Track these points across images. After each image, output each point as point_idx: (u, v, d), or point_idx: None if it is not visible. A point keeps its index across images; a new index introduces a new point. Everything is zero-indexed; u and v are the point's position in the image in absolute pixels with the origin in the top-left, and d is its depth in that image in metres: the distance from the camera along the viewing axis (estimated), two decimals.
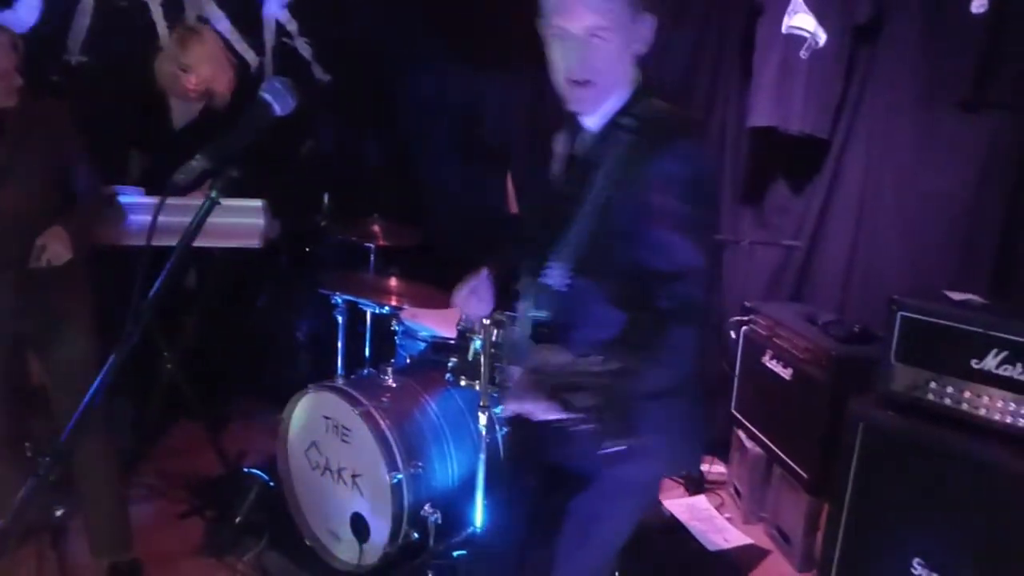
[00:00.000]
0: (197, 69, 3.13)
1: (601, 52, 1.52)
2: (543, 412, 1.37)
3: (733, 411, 3.25)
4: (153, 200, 2.78)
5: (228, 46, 3.68)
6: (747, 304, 3.21)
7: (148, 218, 2.69)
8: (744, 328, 3.19)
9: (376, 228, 3.26)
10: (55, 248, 2.28)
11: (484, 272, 1.88)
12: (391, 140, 4.50)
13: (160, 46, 3.45)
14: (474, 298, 1.86)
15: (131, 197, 2.74)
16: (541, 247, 1.58)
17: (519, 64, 3.78)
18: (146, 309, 1.25)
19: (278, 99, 1.35)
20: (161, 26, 3.69)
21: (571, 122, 1.67)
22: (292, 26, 4.12)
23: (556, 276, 1.52)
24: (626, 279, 1.49)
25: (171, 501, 3.05)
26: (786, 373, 2.90)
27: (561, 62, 1.54)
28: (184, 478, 3.17)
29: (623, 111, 1.58)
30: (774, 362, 2.98)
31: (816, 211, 3.40)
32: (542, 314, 1.55)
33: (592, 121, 1.62)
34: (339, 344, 3.02)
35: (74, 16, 3.47)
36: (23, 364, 2.54)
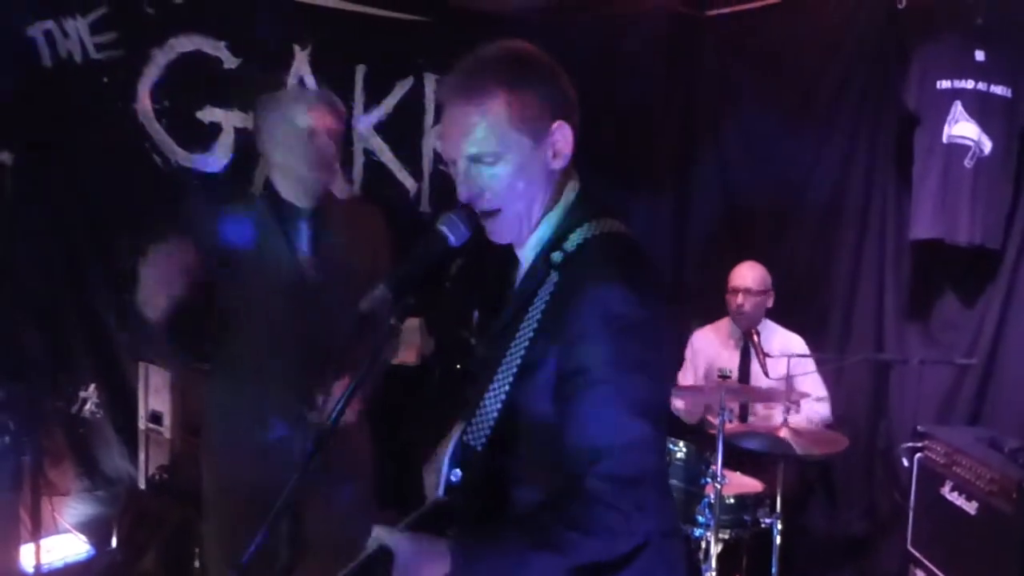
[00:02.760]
0: None
1: (485, 178, 1.32)
2: None
3: (910, 547, 2.97)
4: None
5: (390, 173, 4.01)
6: (919, 429, 2.99)
7: None
8: (918, 455, 2.95)
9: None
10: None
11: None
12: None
13: None
14: None
15: None
16: (470, 396, 1.37)
17: (655, 189, 3.87)
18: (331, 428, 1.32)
19: (454, 231, 1.42)
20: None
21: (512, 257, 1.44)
22: None
23: (475, 433, 1.30)
24: (547, 453, 1.27)
25: None
26: (970, 506, 2.64)
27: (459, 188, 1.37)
28: None
29: (553, 241, 1.34)
30: (955, 494, 2.72)
31: (992, 326, 3.18)
32: (455, 475, 1.31)
33: (524, 255, 1.40)
34: None
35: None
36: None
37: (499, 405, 1.29)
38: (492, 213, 1.35)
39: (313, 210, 2.19)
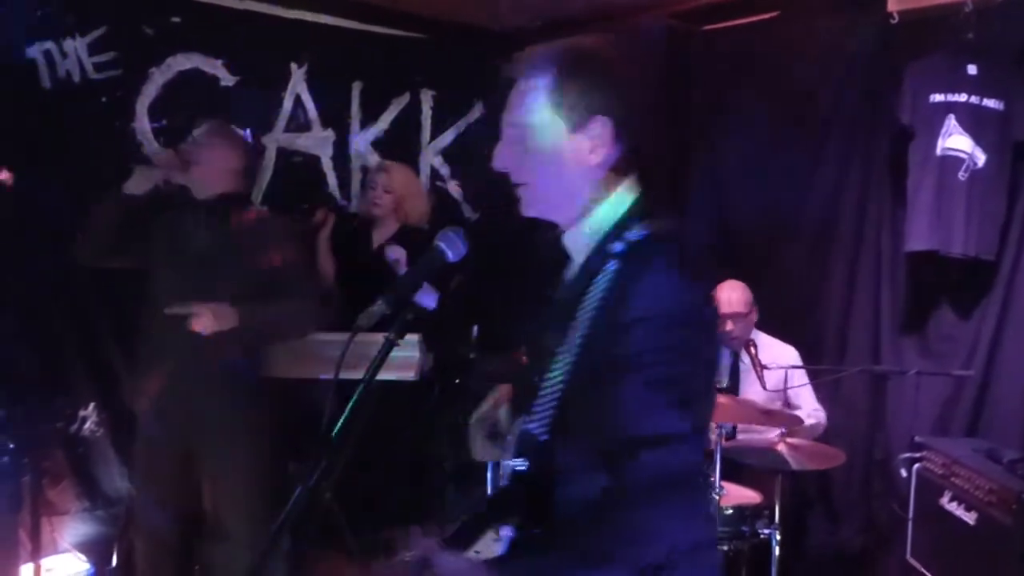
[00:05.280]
0: (385, 187, 3.59)
1: (517, 149, 1.37)
2: None
3: (909, 558, 2.97)
4: (320, 336, 2.98)
5: None
6: (917, 440, 3.00)
7: (316, 352, 2.91)
8: (917, 466, 2.96)
9: (524, 360, 3.32)
10: (207, 317, 2.46)
11: (498, 408, 1.68)
12: (536, 275, 4.64)
13: (329, 192, 3.84)
14: (485, 444, 1.66)
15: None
16: (533, 388, 1.37)
17: (657, 201, 3.86)
18: (333, 442, 1.33)
19: (451, 247, 1.45)
20: (331, 176, 4.07)
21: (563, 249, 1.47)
22: (445, 170, 4.43)
23: (536, 423, 1.31)
24: (599, 443, 1.26)
25: None
26: (969, 517, 2.65)
27: None
28: None
29: (611, 234, 1.36)
30: (954, 504, 2.73)
31: (988, 337, 3.19)
32: (521, 465, 1.33)
33: (576, 246, 1.42)
34: (489, 476, 3.04)
35: (258, 171, 3.88)
36: (196, 487, 2.70)
37: (559, 393, 1.29)
38: (520, 184, 1.40)
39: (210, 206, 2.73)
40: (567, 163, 1.36)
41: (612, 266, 1.30)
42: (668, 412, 1.21)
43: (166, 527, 2.71)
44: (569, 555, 1.23)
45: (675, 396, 1.22)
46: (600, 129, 1.35)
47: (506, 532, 1.29)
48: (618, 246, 1.32)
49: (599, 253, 1.35)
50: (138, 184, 2.69)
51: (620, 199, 1.39)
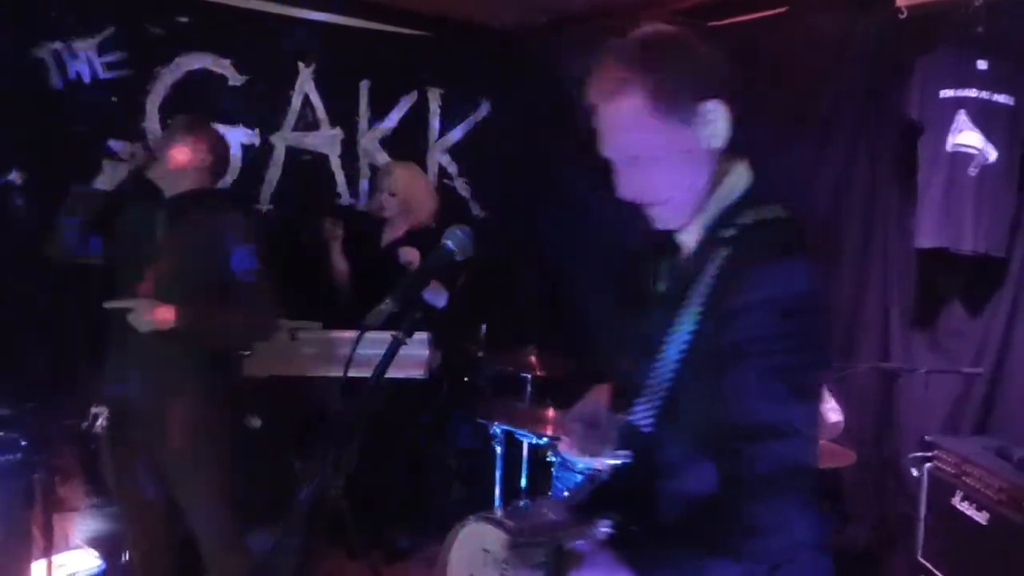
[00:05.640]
0: (391, 190, 3.63)
1: (640, 170, 1.30)
2: None
3: (920, 559, 2.96)
4: (327, 334, 2.99)
5: None
6: (927, 439, 2.98)
7: (325, 351, 2.91)
8: (927, 465, 2.94)
9: (532, 359, 3.32)
10: (144, 313, 2.40)
11: (598, 405, 1.61)
12: (544, 273, 4.64)
13: (338, 192, 3.86)
14: (586, 441, 1.58)
15: (312, 333, 2.96)
16: (634, 378, 1.34)
17: None
18: (342, 440, 1.33)
19: (459, 246, 1.45)
20: (339, 176, 4.09)
21: (670, 239, 1.43)
22: (452, 168, 4.44)
23: (641, 415, 1.28)
24: (714, 434, 1.22)
25: None
26: (981, 516, 2.63)
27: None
28: None
29: (722, 220, 1.32)
30: (965, 504, 2.71)
31: (999, 334, 3.15)
32: (625, 457, 1.30)
33: (688, 236, 1.37)
34: (497, 474, 3.04)
35: (267, 169, 3.90)
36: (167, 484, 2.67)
37: (667, 384, 1.26)
38: (654, 204, 1.34)
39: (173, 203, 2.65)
40: (692, 161, 1.31)
41: (724, 252, 1.26)
42: (785, 403, 1.17)
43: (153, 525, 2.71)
44: (693, 547, 1.20)
45: (792, 386, 1.18)
46: (711, 113, 1.30)
47: (604, 528, 1.26)
48: (730, 232, 1.28)
49: (710, 240, 1.31)
50: (108, 179, 2.64)
51: (732, 183, 1.34)
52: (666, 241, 1.41)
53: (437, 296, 1.46)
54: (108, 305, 2.47)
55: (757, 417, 1.17)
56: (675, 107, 1.27)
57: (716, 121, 1.30)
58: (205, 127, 2.72)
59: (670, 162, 1.30)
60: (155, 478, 2.63)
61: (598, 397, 1.62)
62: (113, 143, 3.36)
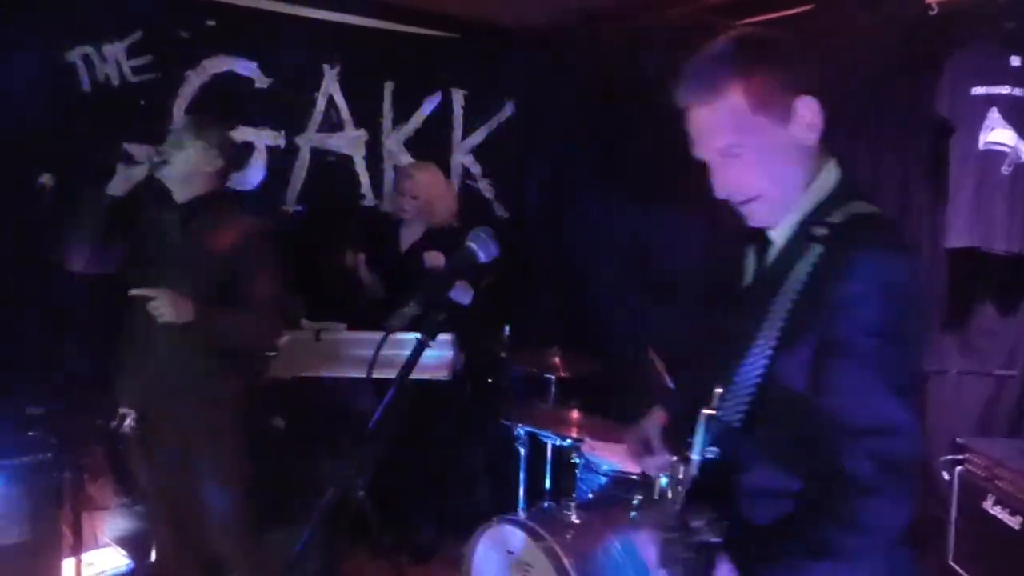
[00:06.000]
0: (411, 192, 3.63)
1: (737, 168, 1.32)
2: None
3: (951, 563, 2.91)
4: (354, 335, 3.00)
5: None
6: (959, 441, 2.93)
7: (349, 352, 2.92)
8: (959, 469, 2.89)
9: (556, 359, 3.31)
10: (165, 304, 2.42)
11: (653, 422, 1.68)
12: (568, 273, 4.63)
13: (362, 193, 3.88)
14: (649, 457, 1.66)
15: (337, 334, 2.97)
16: (719, 372, 1.36)
17: (690, 197, 3.82)
18: (369, 442, 1.34)
19: (483, 248, 1.45)
20: (364, 177, 4.11)
21: (758, 234, 1.45)
22: (476, 169, 4.45)
23: (730, 409, 1.29)
24: (808, 428, 1.23)
25: None
26: (1014, 521, 2.58)
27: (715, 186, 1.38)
28: None
29: (814, 216, 1.33)
30: (998, 508, 2.66)
31: None
32: (712, 452, 1.29)
33: (778, 233, 1.39)
34: (521, 476, 3.03)
35: (292, 171, 3.93)
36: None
37: (757, 380, 1.26)
38: (750, 199, 1.35)
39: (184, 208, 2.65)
40: (789, 158, 1.33)
41: (816, 249, 1.26)
42: (886, 399, 1.18)
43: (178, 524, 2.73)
44: (801, 548, 1.21)
45: (893, 382, 1.18)
46: (806, 108, 1.32)
47: (697, 524, 1.27)
48: (822, 229, 1.28)
49: (802, 236, 1.32)
50: (120, 184, 2.63)
51: (824, 179, 1.36)
52: (755, 237, 1.43)
53: (463, 294, 1.46)
54: (132, 293, 2.49)
55: (862, 414, 1.18)
56: (773, 105, 1.30)
57: (809, 115, 1.32)
58: (213, 129, 2.69)
59: (769, 160, 1.32)
60: (180, 476, 2.65)
61: (655, 422, 1.66)
62: (128, 146, 3.40)
